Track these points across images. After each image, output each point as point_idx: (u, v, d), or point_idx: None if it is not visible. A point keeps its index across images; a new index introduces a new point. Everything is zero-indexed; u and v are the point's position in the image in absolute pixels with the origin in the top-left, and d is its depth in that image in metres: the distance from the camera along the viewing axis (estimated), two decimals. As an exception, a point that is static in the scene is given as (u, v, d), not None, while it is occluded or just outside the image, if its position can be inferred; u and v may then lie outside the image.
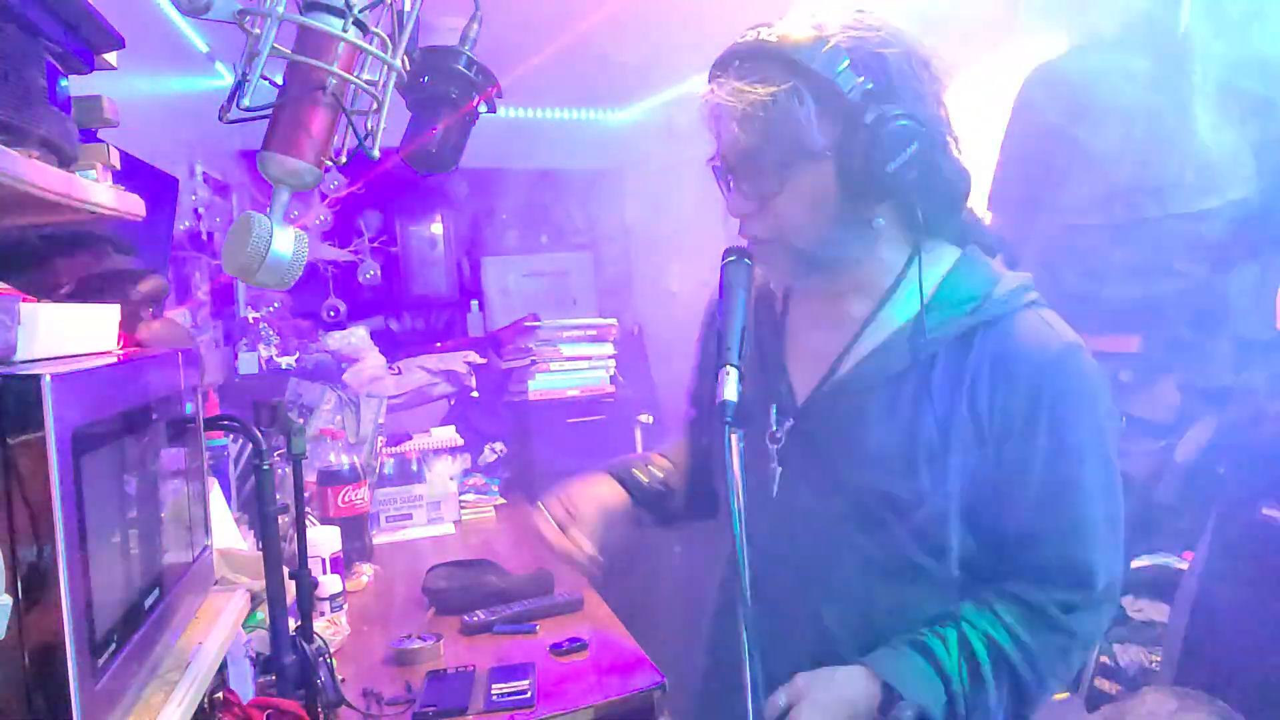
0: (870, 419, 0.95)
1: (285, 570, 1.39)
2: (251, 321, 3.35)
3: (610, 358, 3.51)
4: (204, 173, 2.89)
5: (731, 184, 0.97)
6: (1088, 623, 0.95)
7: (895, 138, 0.88)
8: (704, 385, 1.23)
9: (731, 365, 0.83)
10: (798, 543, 1.00)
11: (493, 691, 1.51)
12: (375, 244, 3.88)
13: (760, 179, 0.94)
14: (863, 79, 0.90)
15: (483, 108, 1.23)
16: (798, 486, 1.01)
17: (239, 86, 0.77)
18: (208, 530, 1.23)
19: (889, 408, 0.94)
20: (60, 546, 0.71)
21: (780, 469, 1.02)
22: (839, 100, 0.89)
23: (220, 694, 1.19)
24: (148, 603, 0.94)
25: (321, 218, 3.40)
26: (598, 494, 1.16)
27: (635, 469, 1.21)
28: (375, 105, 0.84)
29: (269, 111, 0.80)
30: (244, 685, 1.40)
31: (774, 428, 1.03)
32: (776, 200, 0.94)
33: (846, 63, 0.89)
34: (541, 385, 3.42)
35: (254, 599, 1.44)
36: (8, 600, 0.68)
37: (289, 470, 1.52)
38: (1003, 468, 0.92)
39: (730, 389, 0.81)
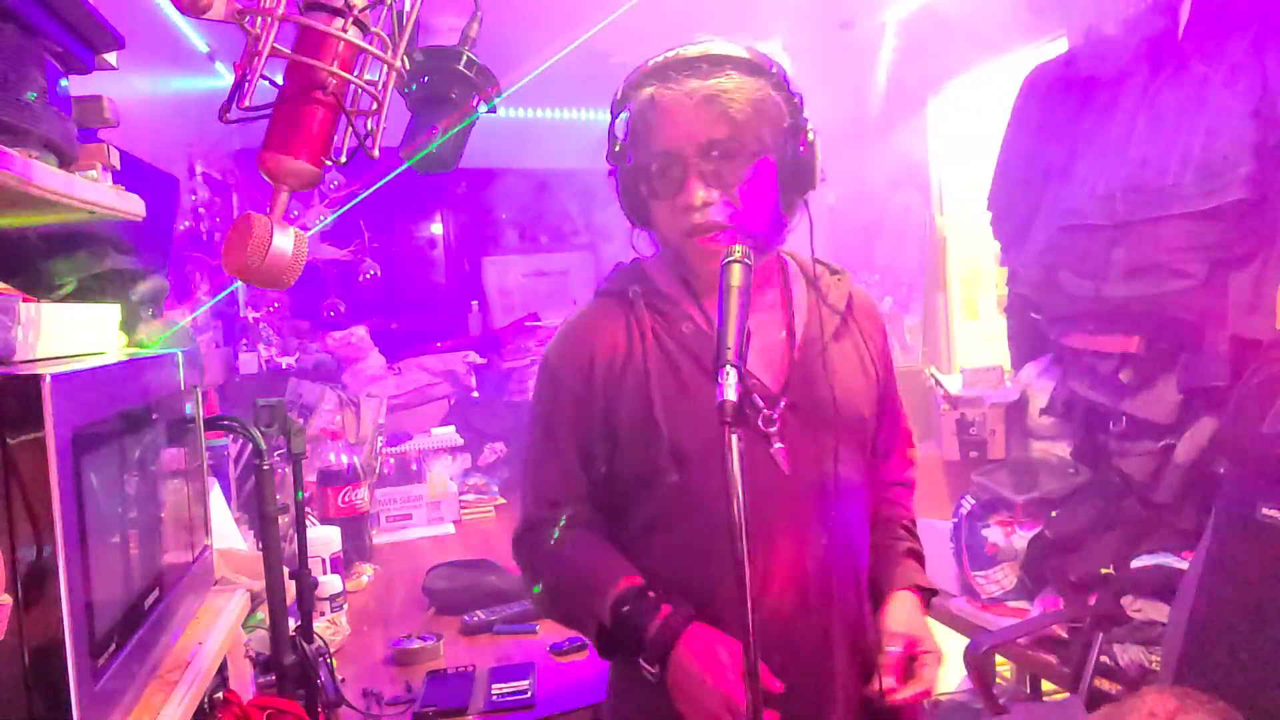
0: (839, 367, 1.12)
1: (285, 570, 1.39)
2: (251, 321, 3.35)
3: (610, 358, 3.51)
4: (204, 173, 2.89)
5: (687, 175, 1.04)
6: None
7: (815, 146, 1.07)
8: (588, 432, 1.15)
9: (732, 365, 0.83)
10: (813, 503, 1.08)
11: (493, 691, 1.51)
12: (375, 244, 3.88)
13: (731, 169, 1.04)
14: (795, 93, 1.09)
15: (483, 108, 1.23)
16: (803, 455, 1.08)
17: (239, 86, 0.77)
18: (208, 530, 1.23)
19: (843, 355, 1.14)
20: (60, 546, 0.71)
21: (782, 445, 1.09)
22: (790, 106, 1.08)
23: (220, 694, 1.19)
24: (148, 603, 0.94)
25: (321, 218, 3.40)
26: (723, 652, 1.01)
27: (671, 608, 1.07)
28: (375, 105, 0.84)
29: (269, 111, 0.80)
30: (244, 685, 1.40)
31: (766, 427, 1.08)
32: (738, 189, 1.05)
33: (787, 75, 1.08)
34: (541, 385, 3.42)
35: (254, 599, 1.44)
36: (8, 600, 0.68)
37: (289, 470, 1.53)
38: (880, 382, 1.19)
39: (731, 389, 0.81)
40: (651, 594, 1.02)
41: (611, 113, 1.15)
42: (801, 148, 1.07)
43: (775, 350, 1.12)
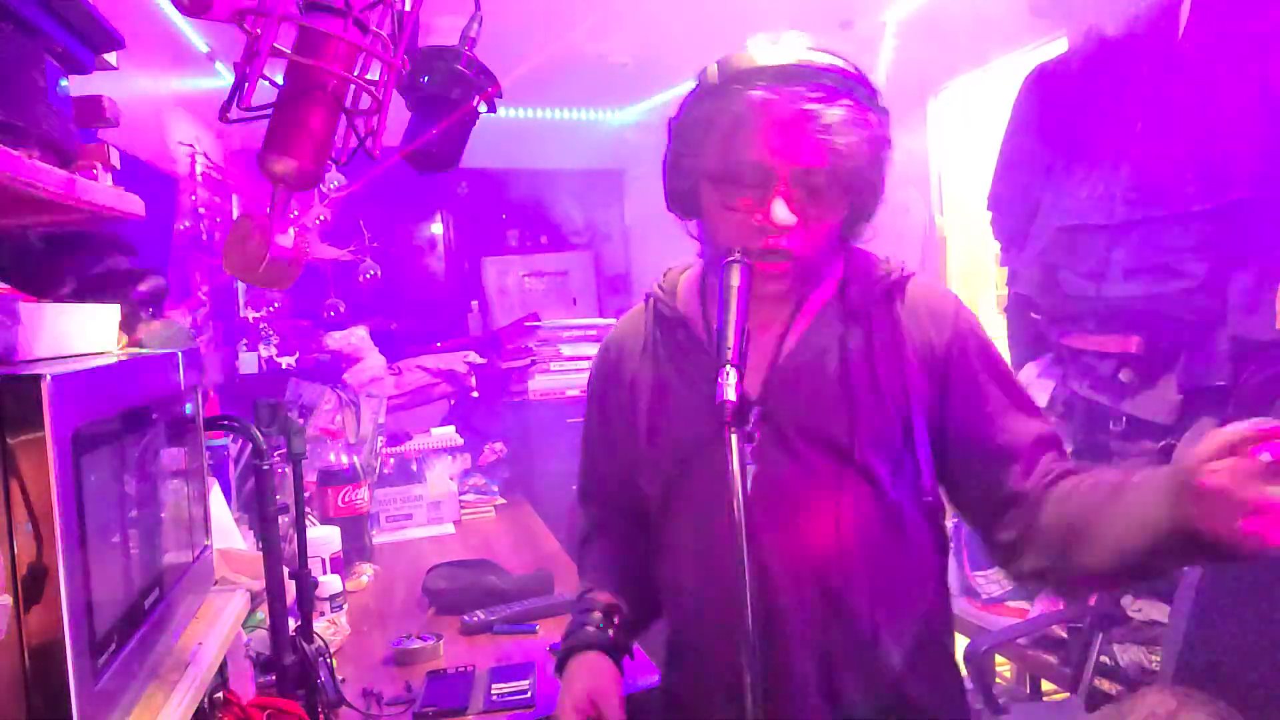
0: (831, 373, 1.02)
1: (285, 570, 1.39)
2: (251, 321, 3.35)
3: (610, 358, 3.51)
4: (204, 173, 2.89)
5: (774, 194, 0.97)
6: None
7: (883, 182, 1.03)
8: (615, 451, 1.18)
9: (731, 365, 0.83)
10: (785, 528, 1.01)
11: (493, 691, 1.51)
12: (375, 244, 3.88)
13: (817, 201, 0.98)
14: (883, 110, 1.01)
15: (483, 108, 1.23)
16: (777, 470, 1.01)
17: (239, 86, 0.77)
18: (208, 530, 1.23)
19: (843, 359, 1.03)
20: (60, 546, 0.71)
21: (754, 466, 1.00)
22: (884, 139, 1.00)
23: (220, 694, 1.19)
24: (148, 603, 0.94)
25: (321, 218, 3.39)
26: (606, 682, 1.05)
27: (594, 628, 1.10)
28: (375, 105, 0.84)
29: (269, 111, 0.80)
30: (244, 685, 1.40)
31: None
32: (818, 221, 0.99)
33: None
34: (541, 385, 3.42)
35: (254, 599, 1.44)
36: (7, 600, 0.68)
37: (289, 470, 1.52)
38: (958, 386, 1.04)
39: (730, 389, 0.81)
40: (598, 607, 1.10)
41: (699, 84, 1.02)
42: (881, 179, 1.02)
43: (763, 352, 1.05)
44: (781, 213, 0.97)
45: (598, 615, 1.10)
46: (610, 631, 1.09)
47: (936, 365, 1.04)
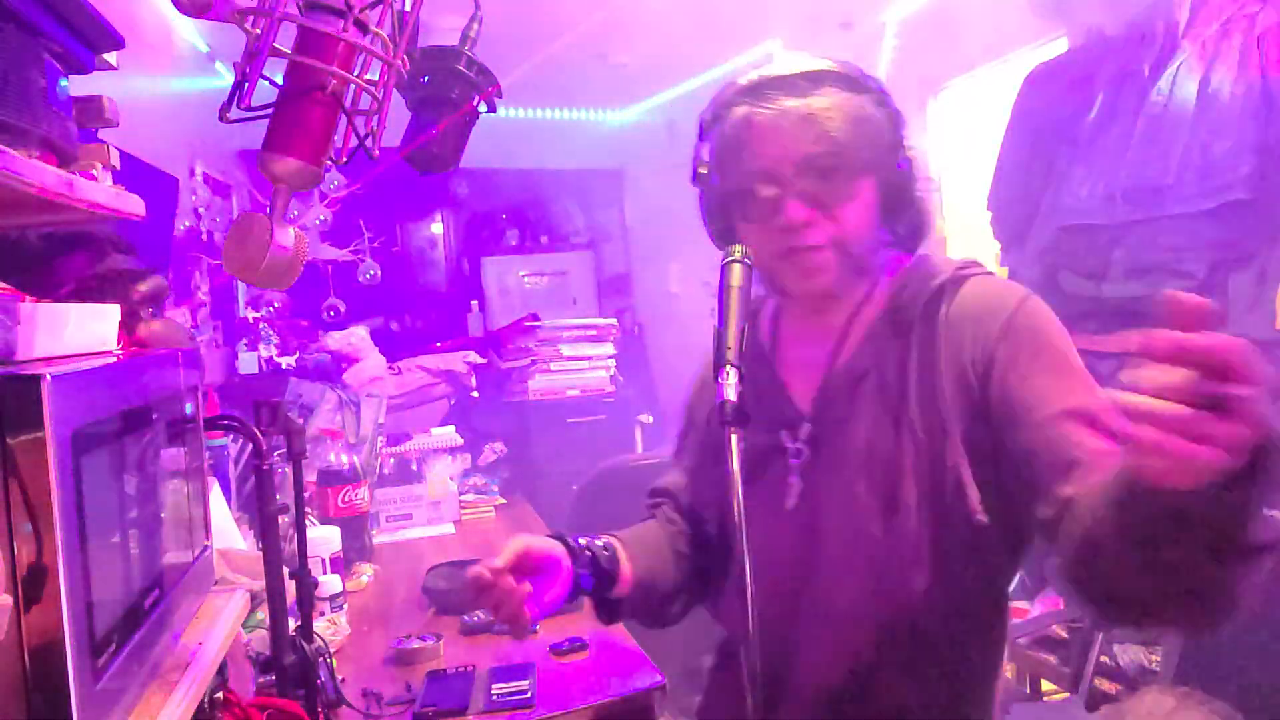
0: (871, 392, 1.01)
1: (285, 570, 1.39)
2: (251, 321, 3.35)
3: (610, 358, 3.51)
4: (204, 173, 2.89)
5: (785, 195, 1.00)
6: None
7: (917, 163, 1.04)
8: (700, 459, 1.23)
9: (731, 365, 0.84)
10: (825, 548, 1.01)
11: (493, 691, 1.51)
12: (375, 244, 3.88)
13: (830, 188, 0.99)
14: (895, 110, 1.04)
15: (483, 108, 1.23)
16: (822, 490, 1.02)
17: (239, 86, 0.77)
18: (208, 530, 1.23)
19: (882, 379, 1.01)
20: (60, 547, 0.71)
21: (799, 482, 1.04)
22: (891, 123, 1.02)
23: (220, 694, 1.19)
24: (148, 603, 0.94)
25: (321, 218, 3.40)
26: (531, 539, 1.05)
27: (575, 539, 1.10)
28: (375, 105, 0.84)
29: (269, 111, 0.80)
30: (244, 685, 1.40)
31: (790, 443, 1.05)
32: (839, 208, 1.00)
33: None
34: (541, 385, 3.42)
35: (254, 599, 1.44)
36: (7, 600, 0.68)
37: (289, 470, 1.52)
38: (1008, 396, 0.93)
39: (730, 389, 0.81)
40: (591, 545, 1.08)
41: (699, 133, 1.09)
42: (901, 165, 1.03)
43: (816, 366, 1.06)
44: (796, 208, 0.99)
45: (592, 541, 1.09)
46: (590, 551, 1.06)
47: (976, 375, 0.95)
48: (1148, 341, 0.56)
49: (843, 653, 1.00)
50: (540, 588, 1.01)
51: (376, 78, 0.84)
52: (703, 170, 1.07)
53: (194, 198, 2.77)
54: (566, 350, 3.44)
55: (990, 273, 1.07)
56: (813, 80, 0.99)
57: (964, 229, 3.22)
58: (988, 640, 1.02)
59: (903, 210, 1.05)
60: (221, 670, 1.19)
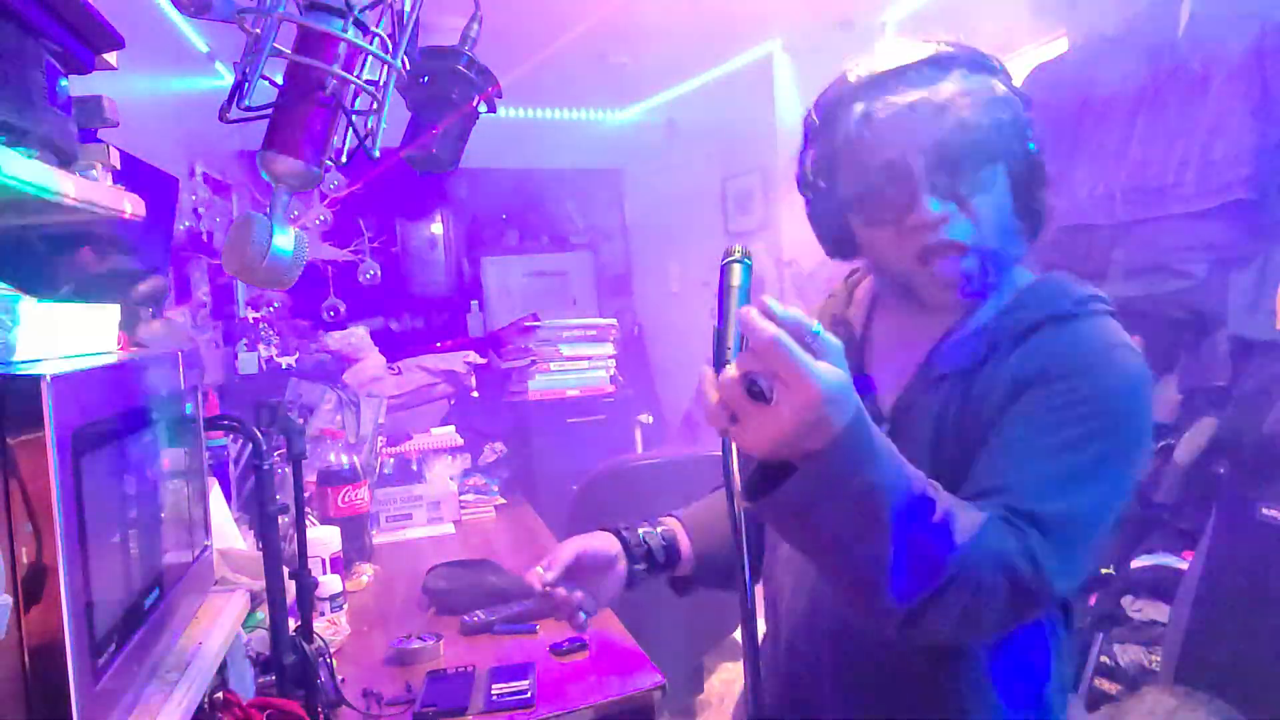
0: (933, 411, 0.95)
1: (285, 570, 1.39)
2: (251, 321, 3.35)
3: (610, 358, 3.51)
4: (204, 173, 2.89)
5: (918, 190, 0.92)
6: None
7: (1042, 153, 0.96)
8: None
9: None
10: None
11: (493, 691, 1.51)
12: (375, 244, 3.88)
13: (967, 178, 0.91)
14: (1018, 91, 0.95)
15: (483, 108, 1.23)
16: None
17: (239, 86, 0.77)
18: (208, 530, 1.23)
19: (944, 400, 0.95)
20: (60, 547, 0.71)
21: None
22: (1017, 103, 0.94)
23: (220, 694, 1.19)
24: (148, 603, 0.94)
25: (321, 218, 3.40)
26: (585, 541, 1.07)
27: (634, 529, 1.12)
28: (375, 105, 0.84)
29: (269, 111, 0.80)
30: (244, 685, 1.40)
31: None
32: (975, 201, 0.92)
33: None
34: (541, 385, 3.42)
35: (254, 599, 1.44)
36: (7, 600, 0.68)
37: (289, 470, 1.52)
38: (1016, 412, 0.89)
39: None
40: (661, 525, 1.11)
41: (805, 138, 1.00)
42: (1031, 145, 0.95)
43: (905, 368, 1.00)
44: (932, 205, 0.91)
45: (651, 529, 1.10)
46: (646, 544, 1.07)
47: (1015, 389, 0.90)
48: None
49: (883, 662, 0.96)
50: (594, 589, 1.01)
51: (376, 78, 0.84)
52: (813, 177, 1.00)
53: (194, 198, 2.77)
54: (566, 350, 3.44)
55: (1111, 312, 0.99)
56: (941, 65, 0.92)
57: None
58: (1033, 644, 0.97)
59: (1031, 197, 0.99)
60: (221, 670, 1.19)
